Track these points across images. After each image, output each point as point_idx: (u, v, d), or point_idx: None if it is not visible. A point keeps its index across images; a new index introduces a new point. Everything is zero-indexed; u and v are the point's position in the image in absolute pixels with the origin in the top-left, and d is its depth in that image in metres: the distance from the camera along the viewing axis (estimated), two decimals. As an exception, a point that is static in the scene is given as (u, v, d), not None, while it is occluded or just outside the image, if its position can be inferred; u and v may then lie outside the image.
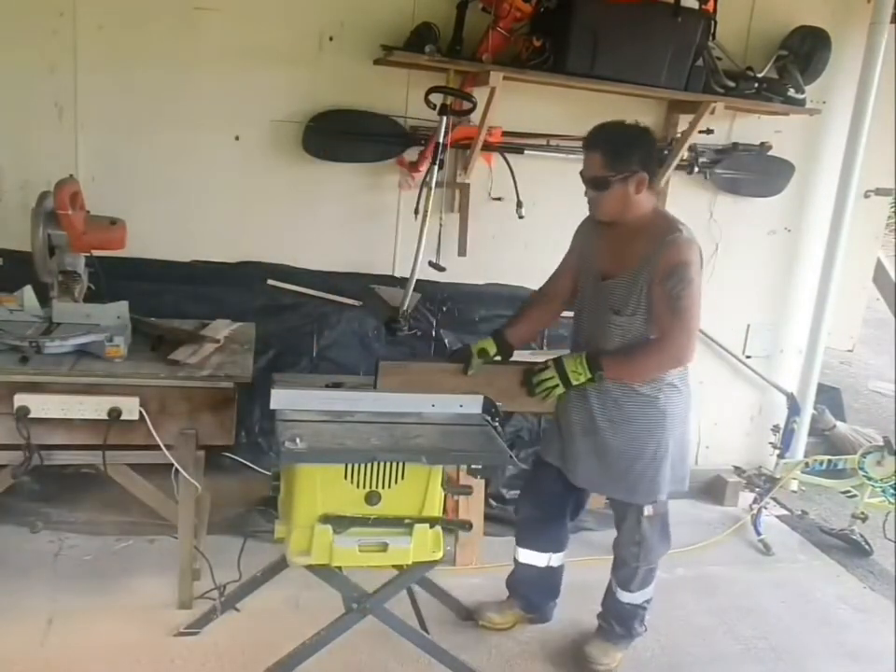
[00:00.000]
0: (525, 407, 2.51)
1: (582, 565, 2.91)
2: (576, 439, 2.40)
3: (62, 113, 2.94)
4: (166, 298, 3.01)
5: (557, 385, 2.28)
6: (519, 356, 3.26)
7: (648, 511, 2.41)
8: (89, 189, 2.69)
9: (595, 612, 2.63)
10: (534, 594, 2.72)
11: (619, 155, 2.19)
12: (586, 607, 2.80)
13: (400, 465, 2.04)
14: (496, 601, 2.74)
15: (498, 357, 2.47)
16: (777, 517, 3.75)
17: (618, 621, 2.55)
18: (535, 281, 3.44)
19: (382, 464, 2.03)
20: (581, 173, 2.30)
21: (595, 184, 2.25)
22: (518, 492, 3.42)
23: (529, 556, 2.65)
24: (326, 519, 2.03)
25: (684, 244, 2.20)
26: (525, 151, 3.28)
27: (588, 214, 2.42)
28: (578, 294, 2.47)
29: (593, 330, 2.36)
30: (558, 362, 2.28)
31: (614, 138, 2.22)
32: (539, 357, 3.21)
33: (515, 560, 2.70)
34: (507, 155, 3.24)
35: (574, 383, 2.26)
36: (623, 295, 2.25)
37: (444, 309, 3.38)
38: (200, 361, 2.44)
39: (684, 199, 3.56)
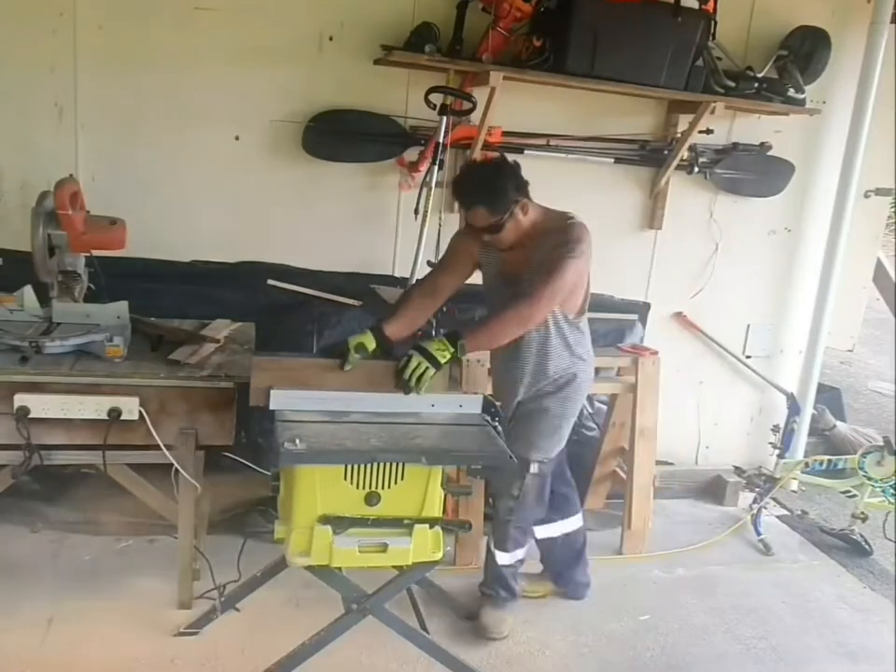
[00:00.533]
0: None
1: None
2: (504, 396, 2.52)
3: (62, 113, 2.94)
4: (166, 298, 3.00)
5: (427, 368, 2.21)
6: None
7: (534, 468, 2.52)
8: (89, 188, 2.69)
9: (597, 612, 2.64)
10: (562, 565, 2.84)
11: (498, 200, 2.32)
12: (587, 607, 2.81)
13: (400, 465, 2.04)
14: (532, 573, 2.88)
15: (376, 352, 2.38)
16: (778, 517, 3.75)
17: (500, 584, 2.67)
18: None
19: (381, 464, 2.03)
20: (469, 222, 2.40)
21: (491, 230, 2.36)
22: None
23: (542, 531, 2.76)
24: (325, 519, 2.03)
25: (577, 225, 2.34)
26: (525, 151, 3.27)
27: (465, 225, 2.51)
28: (489, 298, 2.57)
29: None
30: (419, 347, 2.24)
31: (486, 188, 2.33)
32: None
33: (535, 540, 2.79)
34: (507, 155, 3.23)
35: (441, 361, 2.23)
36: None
37: (444, 309, 3.37)
38: (200, 361, 2.45)
39: (684, 199, 3.57)
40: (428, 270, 3.07)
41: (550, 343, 2.45)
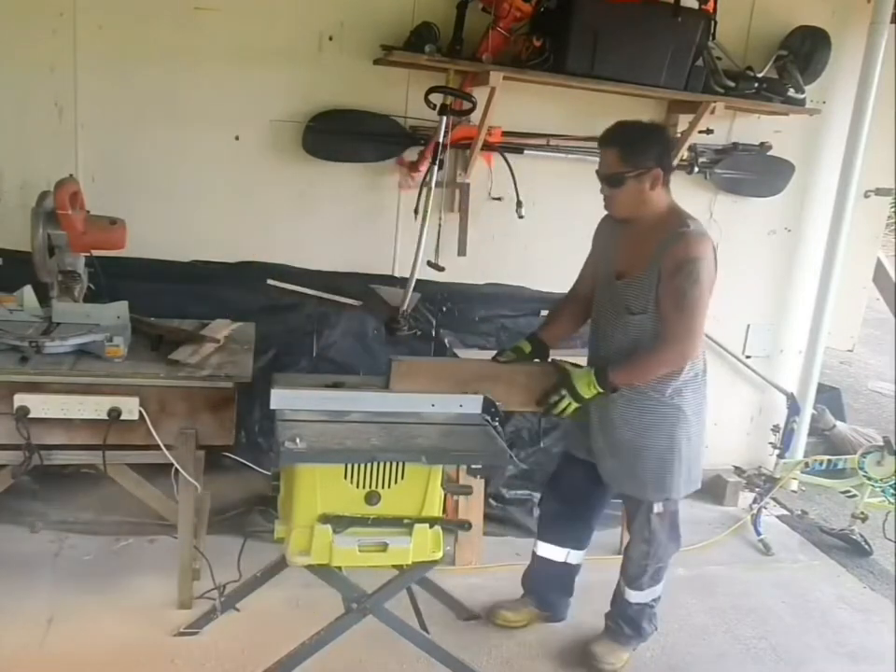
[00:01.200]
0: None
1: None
2: (596, 433, 2.42)
3: (61, 113, 2.94)
4: (166, 298, 3.00)
5: (570, 404, 2.30)
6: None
7: (658, 508, 2.41)
8: (88, 188, 2.69)
9: (598, 612, 2.63)
10: (549, 590, 2.72)
11: (635, 151, 2.21)
12: (588, 607, 2.80)
13: (400, 465, 2.04)
14: (510, 600, 2.74)
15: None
16: (777, 517, 3.75)
17: (626, 621, 2.55)
18: (535, 281, 3.48)
19: (381, 464, 2.03)
20: (596, 171, 2.30)
21: (610, 180, 2.25)
22: (519, 491, 3.45)
23: (548, 550, 2.66)
24: (325, 519, 2.03)
25: (693, 238, 2.22)
26: (525, 151, 3.28)
27: (605, 215, 2.43)
28: (595, 294, 2.48)
29: (608, 330, 2.38)
30: (568, 384, 2.28)
31: (630, 135, 2.25)
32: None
33: (533, 554, 2.72)
34: (507, 155, 3.24)
35: (586, 398, 2.28)
36: (637, 293, 2.26)
37: (444, 309, 3.38)
38: (200, 361, 2.44)
39: (684, 199, 3.49)
40: (428, 269, 3.09)
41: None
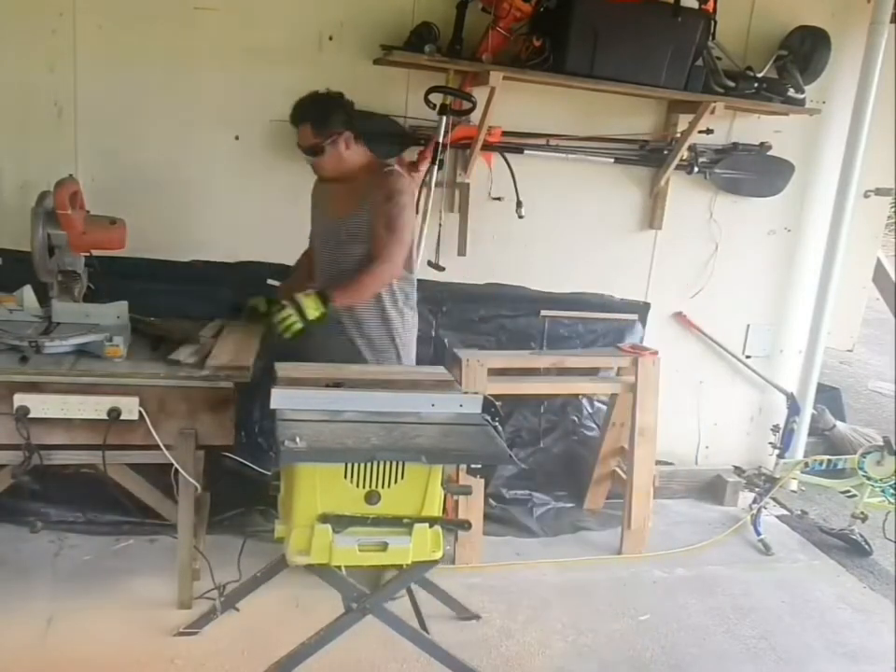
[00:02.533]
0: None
1: (583, 564, 2.91)
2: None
3: (61, 112, 2.94)
4: (166, 298, 3.00)
5: (296, 322, 2.45)
6: (518, 355, 3.28)
7: None
8: (88, 188, 2.69)
9: (597, 612, 2.63)
10: None
11: (324, 122, 2.56)
12: (587, 607, 2.81)
13: (400, 464, 2.04)
14: None
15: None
16: (777, 517, 3.75)
17: None
18: (535, 281, 3.48)
19: (381, 463, 2.03)
20: (298, 144, 2.62)
21: (311, 151, 2.60)
22: (519, 491, 3.46)
23: None
24: (325, 518, 2.03)
25: (396, 175, 2.61)
26: (525, 151, 3.28)
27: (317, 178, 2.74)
28: (315, 245, 2.80)
29: (331, 264, 2.68)
30: (293, 300, 2.47)
31: (316, 108, 2.58)
32: (537, 358, 3.24)
33: None
34: (507, 155, 3.24)
35: (310, 317, 2.46)
36: (354, 228, 2.60)
37: (444, 309, 3.38)
38: (199, 361, 2.44)
39: (684, 199, 3.57)
40: (428, 269, 3.10)
41: (385, 304, 2.69)
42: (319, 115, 2.57)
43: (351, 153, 2.62)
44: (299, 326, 2.45)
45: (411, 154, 3.19)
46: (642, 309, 3.66)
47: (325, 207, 2.74)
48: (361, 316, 2.69)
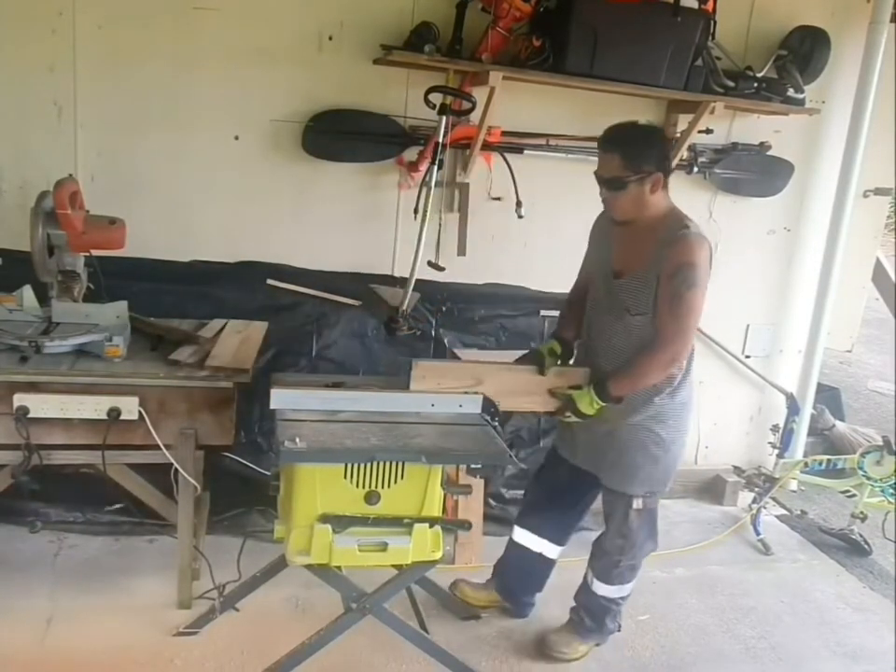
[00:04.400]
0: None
1: (583, 565, 2.90)
2: (582, 427, 2.43)
3: (61, 112, 2.93)
4: (166, 298, 3.00)
5: (572, 419, 2.35)
6: (518, 355, 3.26)
7: (637, 504, 2.41)
8: (88, 188, 2.69)
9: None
10: (516, 580, 2.73)
11: (636, 156, 2.21)
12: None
13: (400, 464, 2.04)
14: (474, 580, 2.77)
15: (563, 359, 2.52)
16: (777, 517, 3.75)
17: (589, 614, 2.56)
18: (534, 281, 3.48)
19: (381, 463, 2.03)
20: (596, 173, 2.30)
21: (611, 184, 2.25)
22: (518, 491, 3.45)
23: (524, 537, 2.67)
24: (325, 519, 2.03)
25: (693, 241, 2.21)
26: (525, 151, 3.28)
27: (602, 211, 2.43)
28: (590, 291, 2.49)
29: (604, 329, 2.39)
30: (572, 408, 2.32)
31: (631, 139, 2.26)
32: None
33: (510, 539, 2.72)
34: (506, 155, 3.24)
35: (589, 415, 2.32)
36: (636, 294, 2.27)
37: (444, 309, 3.37)
38: (199, 361, 2.44)
39: (683, 199, 3.49)
40: (428, 269, 3.09)
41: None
42: (634, 146, 2.24)
43: (654, 199, 2.26)
44: (575, 420, 2.34)
45: (411, 154, 3.19)
46: (642, 309, 3.66)
47: (606, 255, 2.40)
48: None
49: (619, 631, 2.61)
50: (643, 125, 2.33)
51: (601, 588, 2.51)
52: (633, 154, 2.21)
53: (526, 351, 2.61)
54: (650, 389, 2.33)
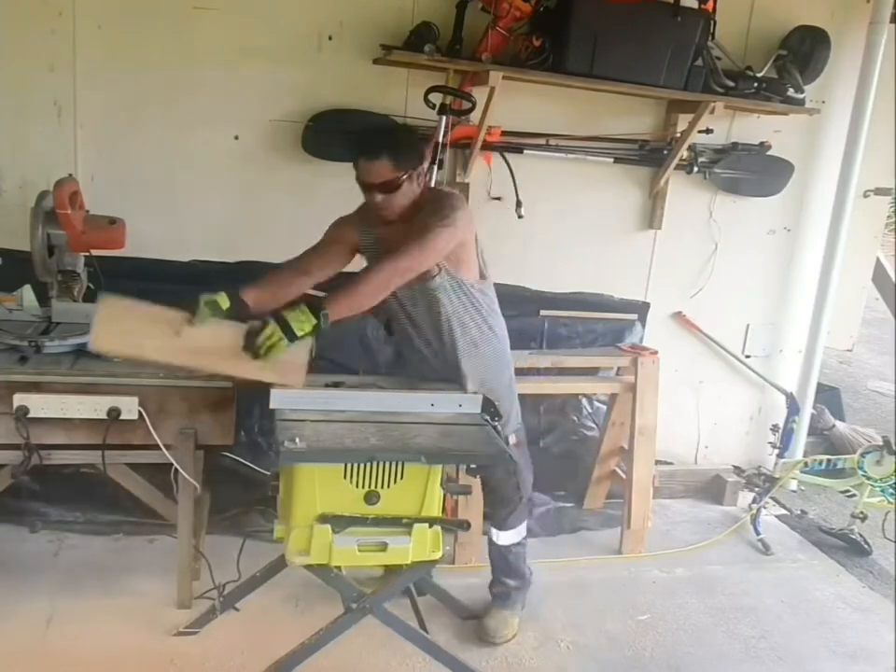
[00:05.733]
0: (248, 373, 2.15)
1: (583, 564, 2.91)
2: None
3: (61, 112, 2.93)
4: (166, 298, 2.99)
5: (281, 339, 2.05)
6: (518, 355, 3.28)
7: (512, 439, 2.50)
8: (88, 188, 2.69)
9: (597, 612, 2.63)
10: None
11: (405, 156, 2.23)
12: (586, 606, 2.81)
13: (399, 464, 2.04)
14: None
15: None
16: (777, 517, 3.75)
17: (507, 571, 2.64)
18: (534, 281, 3.48)
19: (381, 463, 2.03)
20: (361, 180, 2.26)
21: (385, 188, 2.22)
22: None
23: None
24: (325, 519, 2.03)
25: (449, 193, 2.33)
26: (525, 151, 3.28)
27: (349, 214, 2.45)
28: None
29: (415, 319, 2.40)
30: (277, 315, 2.08)
31: (397, 141, 2.28)
32: (537, 358, 3.24)
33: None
34: (506, 154, 3.24)
35: (299, 333, 2.06)
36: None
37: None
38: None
39: (683, 198, 3.57)
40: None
41: (462, 309, 2.35)
42: (402, 149, 2.23)
43: (417, 191, 2.28)
44: (285, 344, 2.05)
45: (410, 154, 3.19)
46: (642, 309, 3.66)
47: (379, 249, 2.37)
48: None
49: (531, 574, 2.70)
50: (397, 125, 2.44)
51: (504, 537, 2.61)
52: (402, 154, 2.22)
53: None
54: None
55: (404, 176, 2.21)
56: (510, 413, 2.49)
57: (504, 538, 2.61)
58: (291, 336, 2.06)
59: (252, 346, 2.05)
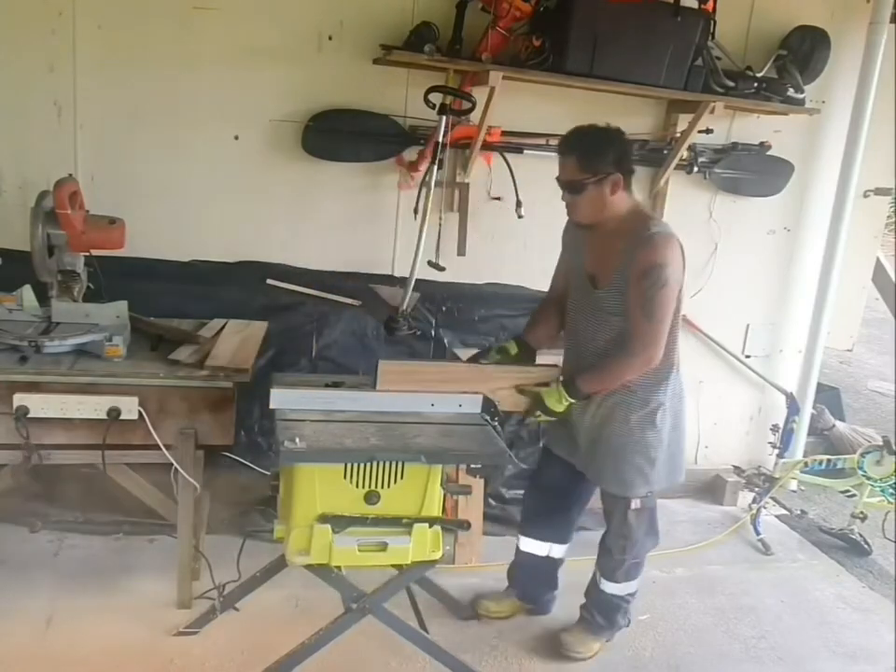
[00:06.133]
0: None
1: (582, 565, 2.90)
2: (578, 429, 2.44)
3: (61, 112, 2.93)
4: (166, 298, 3.00)
5: (542, 418, 2.39)
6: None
7: (635, 504, 2.43)
8: (88, 188, 2.68)
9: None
10: (531, 583, 2.75)
11: (593, 158, 2.24)
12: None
13: (400, 464, 2.04)
14: (494, 591, 2.78)
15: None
16: (777, 517, 3.75)
17: (600, 612, 2.58)
18: (534, 280, 3.48)
19: (381, 463, 2.03)
20: (557, 178, 2.32)
21: (571, 188, 2.28)
22: (518, 491, 3.45)
23: (530, 545, 2.69)
24: (325, 519, 2.03)
25: (659, 241, 2.22)
26: (525, 151, 3.28)
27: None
28: (570, 297, 2.49)
29: (588, 334, 2.39)
30: (541, 405, 2.35)
31: (588, 141, 2.27)
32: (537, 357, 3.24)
33: (517, 548, 2.74)
34: (506, 154, 3.24)
35: (558, 412, 2.35)
36: (617, 299, 2.28)
37: (444, 309, 3.37)
38: (199, 361, 2.44)
39: (683, 199, 3.57)
40: (428, 269, 3.09)
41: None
42: (590, 148, 2.26)
43: (615, 200, 2.27)
44: (544, 418, 2.39)
45: (410, 154, 3.19)
46: (642, 309, 3.65)
47: (579, 262, 2.42)
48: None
49: (628, 626, 2.63)
50: (602, 127, 2.31)
51: (608, 586, 2.54)
52: (589, 156, 2.23)
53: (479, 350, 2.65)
54: (644, 388, 2.33)
55: (591, 179, 2.23)
56: (646, 473, 2.39)
57: (606, 585, 2.54)
58: (554, 415, 2.36)
59: (530, 414, 2.40)
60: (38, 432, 2.32)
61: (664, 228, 2.26)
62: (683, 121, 3.38)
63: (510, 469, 3.31)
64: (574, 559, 2.81)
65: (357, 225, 3.28)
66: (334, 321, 3.25)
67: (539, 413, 2.37)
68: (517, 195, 3.27)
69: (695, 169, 3.47)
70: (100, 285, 2.70)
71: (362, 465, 2.02)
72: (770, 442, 3.64)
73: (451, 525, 2.26)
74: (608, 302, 2.30)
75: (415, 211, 3.06)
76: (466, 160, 3.25)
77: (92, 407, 2.31)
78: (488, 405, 2.27)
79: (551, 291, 2.62)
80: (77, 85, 2.92)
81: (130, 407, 2.32)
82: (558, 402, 2.33)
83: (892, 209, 6.77)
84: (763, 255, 3.78)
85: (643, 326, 2.22)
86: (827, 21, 3.46)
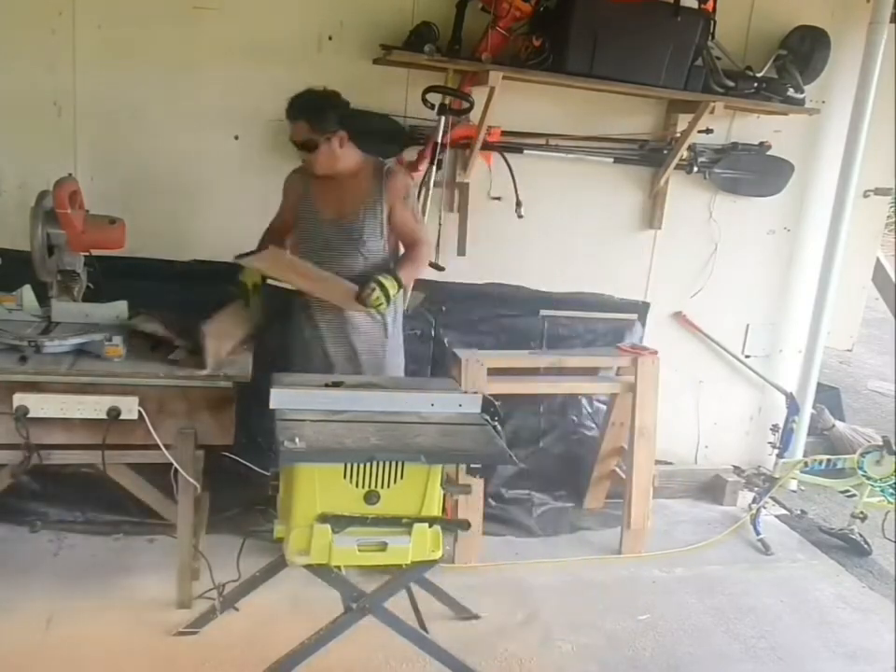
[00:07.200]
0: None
1: (582, 564, 2.91)
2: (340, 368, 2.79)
3: (60, 112, 2.94)
4: (166, 298, 2.99)
5: (380, 296, 2.64)
6: (517, 355, 3.28)
7: None
8: (88, 188, 2.69)
9: (597, 612, 2.62)
10: None
11: (321, 119, 2.62)
12: (586, 606, 2.80)
13: (399, 464, 2.04)
14: None
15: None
16: (777, 517, 3.75)
17: None
18: (534, 281, 3.49)
19: (381, 463, 2.03)
20: (290, 139, 2.69)
21: (306, 147, 2.66)
22: (518, 491, 3.46)
23: None
24: (325, 518, 2.03)
25: (399, 170, 2.83)
26: (525, 151, 3.28)
27: (294, 169, 2.83)
28: (302, 239, 2.82)
29: (339, 261, 2.73)
30: (377, 280, 2.64)
31: (314, 105, 2.63)
32: (537, 358, 3.24)
33: None
34: (506, 154, 3.24)
35: (392, 295, 2.66)
36: (366, 226, 2.71)
37: (444, 309, 3.38)
38: (199, 361, 2.44)
39: (683, 198, 3.57)
40: (428, 269, 3.09)
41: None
42: (316, 113, 2.62)
43: (345, 152, 2.69)
44: (385, 306, 2.67)
45: (410, 154, 3.19)
46: (642, 309, 3.66)
47: (314, 205, 2.78)
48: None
49: None
50: (323, 91, 2.65)
51: None
52: (316, 118, 2.62)
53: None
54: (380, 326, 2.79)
55: (322, 137, 2.63)
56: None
57: None
58: (387, 292, 2.64)
59: (365, 301, 2.64)
60: (38, 432, 2.31)
61: (390, 162, 2.88)
62: (683, 121, 3.38)
63: (510, 469, 3.33)
64: (575, 559, 2.82)
65: (357, 225, 3.27)
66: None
67: (373, 286, 2.61)
68: (517, 195, 3.27)
69: (695, 169, 3.48)
70: (100, 285, 2.70)
71: (362, 465, 2.02)
72: (770, 442, 3.64)
73: (451, 524, 2.25)
74: (354, 229, 2.72)
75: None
76: (466, 159, 3.25)
77: (92, 407, 2.31)
78: (488, 405, 2.27)
79: (273, 227, 2.91)
80: (77, 84, 2.92)
81: (130, 407, 2.32)
82: (390, 284, 2.64)
83: (892, 209, 6.77)
84: (763, 255, 3.78)
85: (419, 226, 2.83)
86: (827, 20, 3.46)
